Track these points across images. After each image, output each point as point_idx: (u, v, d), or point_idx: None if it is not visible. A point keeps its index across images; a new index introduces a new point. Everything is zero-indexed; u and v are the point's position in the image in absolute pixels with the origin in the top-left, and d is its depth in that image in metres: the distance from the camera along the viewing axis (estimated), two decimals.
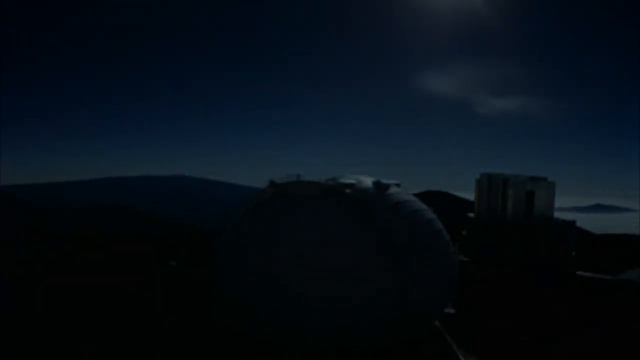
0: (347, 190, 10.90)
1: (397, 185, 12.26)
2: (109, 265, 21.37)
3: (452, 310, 12.32)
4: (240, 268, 11.12)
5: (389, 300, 10.03)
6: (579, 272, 20.59)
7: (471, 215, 23.13)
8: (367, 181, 11.50)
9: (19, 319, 13.71)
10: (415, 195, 12.66)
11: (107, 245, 27.80)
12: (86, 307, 14.90)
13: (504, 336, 14.02)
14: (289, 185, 11.48)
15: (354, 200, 10.70)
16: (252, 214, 11.84)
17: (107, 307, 15.03)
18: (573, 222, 21.82)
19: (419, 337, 11.08)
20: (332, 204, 10.70)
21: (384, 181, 11.60)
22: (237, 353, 10.98)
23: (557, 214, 22.17)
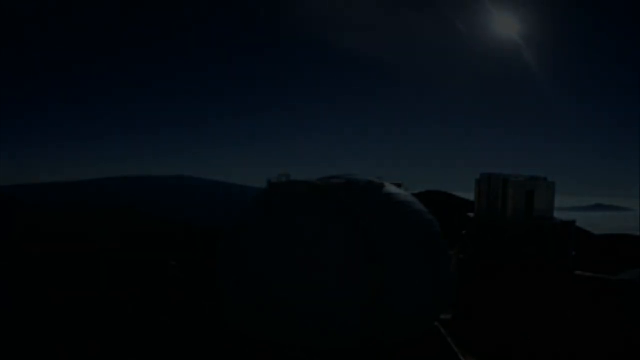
0: (338, 190, 10.91)
1: (399, 185, 12.24)
2: (109, 265, 21.37)
3: (448, 316, 12.31)
4: (238, 269, 11.14)
5: (372, 302, 10.02)
6: (578, 272, 20.58)
7: (471, 215, 23.13)
8: (362, 181, 11.49)
9: (18, 319, 13.73)
10: (414, 195, 12.64)
11: (107, 245, 27.82)
12: (85, 307, 14.91)
13: (504, 336, 14.02)
14: (283, 185, 11.54)
15: (344, 200, 10.71)
16: (250, 214, 11.89)
17: (107, 307, 15.04)
18: (573, 222, 21.81)
19: (410, 340, 11.03)
20: (323, 204, 10.71)
21: (378, 181, 11.57)
22: (235, 353, 10.99)
23: (557, 214, 22.17)
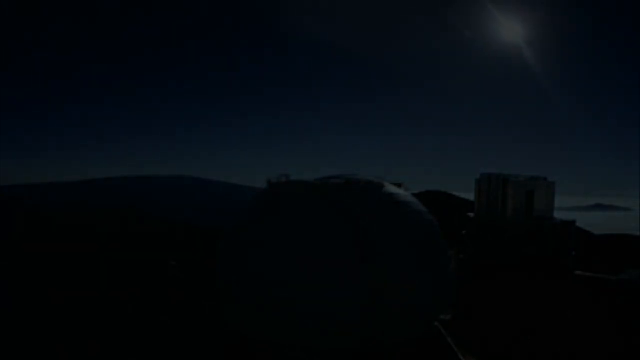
0: (338, 190, 10.91)
1: (399, 185, 12.23)
2: (109, 265, 21.37)
3: (448, 317, 12.26)
4: (238, 269, 11.14)
5: (372, 302, 10.01)
6: (578, 272, 20.60)
7: (471, 215, 23.14)
8: (362, 181, 11.48)
9: (18, 319, 13.73)
10: (414, 195, 12.63)
11: (107, 245, 27.82)
12: (85, 307, 14.91)
13: (504, 337, 14.02)
14: (283, 185, 11.54)
15: (344, 200, 10.70)
16: (250, 214, 11.89)
17: (107, 307, 15.04)
18: (573, 222, 21.86)
19: (410, 340, 11.03)
20: (323, 204, 10.71)
21: (378, 180, 11.57)
22: (235, 353, 10.99)
23: (557, 214, 22.21)
